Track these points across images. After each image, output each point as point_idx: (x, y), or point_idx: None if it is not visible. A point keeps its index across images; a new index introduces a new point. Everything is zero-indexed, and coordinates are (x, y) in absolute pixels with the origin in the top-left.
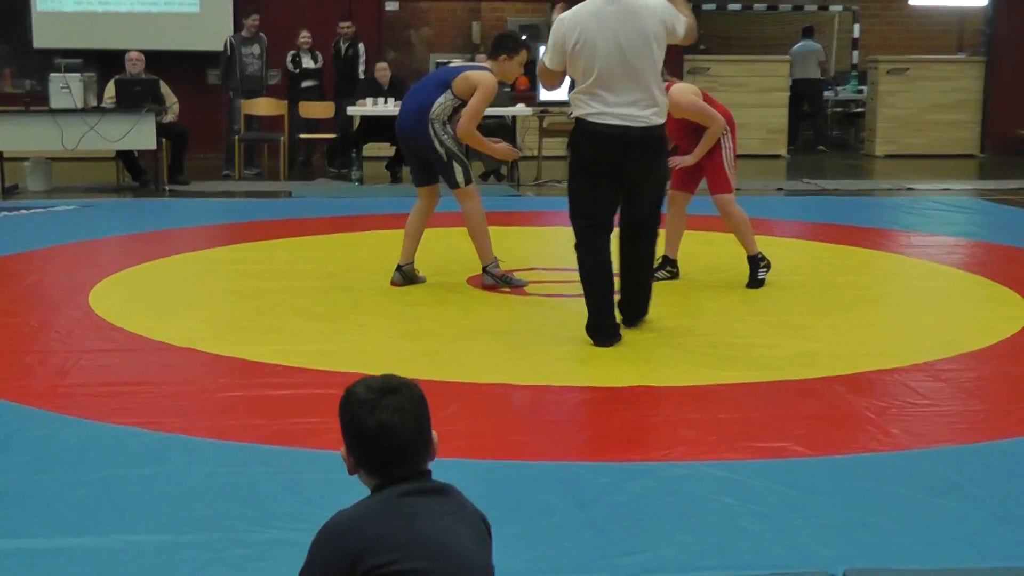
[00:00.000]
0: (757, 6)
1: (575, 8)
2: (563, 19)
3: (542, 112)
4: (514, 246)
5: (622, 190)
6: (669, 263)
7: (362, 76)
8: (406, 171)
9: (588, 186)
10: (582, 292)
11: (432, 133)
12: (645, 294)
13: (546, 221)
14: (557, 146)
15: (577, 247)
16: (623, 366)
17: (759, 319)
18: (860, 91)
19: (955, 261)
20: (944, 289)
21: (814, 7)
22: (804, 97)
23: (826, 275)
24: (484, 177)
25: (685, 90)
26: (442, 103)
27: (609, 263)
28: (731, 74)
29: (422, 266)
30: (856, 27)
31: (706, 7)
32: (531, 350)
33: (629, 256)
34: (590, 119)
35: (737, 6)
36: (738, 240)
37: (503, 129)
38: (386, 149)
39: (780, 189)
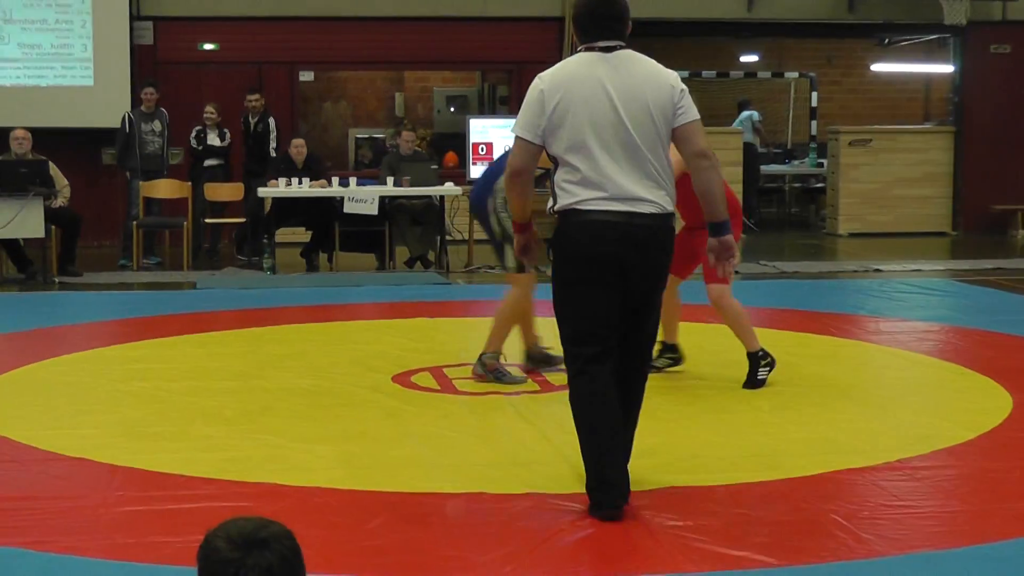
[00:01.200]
0: (706, 73)
1: (559, 64)
2: (543, 77)
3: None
4: (444, 339)
5: (627, 305)
6: (668, 349)
7: (274, 154)
8: (323, 258)
9: (585, 298)
10: (519, 391)
11: (491, 207)
12: (625, 455)
13: (479, 312)
14: None
15: (572, 379)
16: (566, 470)
17: (716, 417)
18: (820, 164)
19: (928, 348)
20: (917, 379)
21: (768, 74)
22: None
23: (788, 365)
24: (410, 263)
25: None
26: None
27: (615, 399)
28: None
29: (339, 360)
30: (814, 95)
31: None
32: (465, 454)
33: (626, 390)
34: (584, 207)
35: (684, 73)
36: (735, 335)
37: (430, 210)
38: (301, 234)
39: (736, 272)
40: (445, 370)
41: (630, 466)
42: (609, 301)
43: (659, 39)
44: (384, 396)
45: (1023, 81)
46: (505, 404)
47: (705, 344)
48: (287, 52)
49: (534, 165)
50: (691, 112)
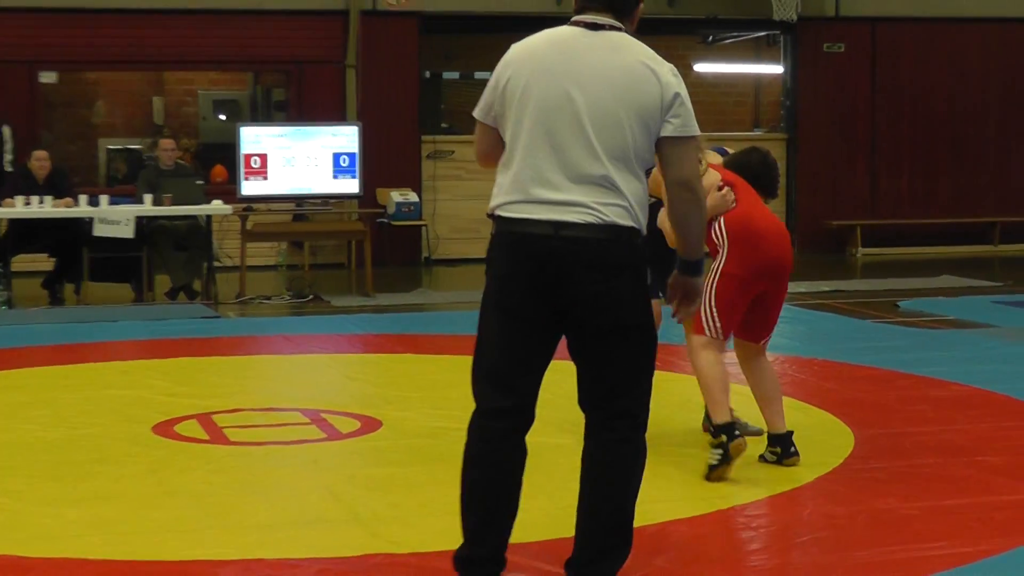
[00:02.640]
0: None
1: (535, 34)
2: (512, 47)
3: (245, 210)
4: (214, 382)
5: (575, 348)
6: (774, 440)
7: (9, 168)
8: (70, 289)
9: (498, 331)
10: (301, 439)
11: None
12: (609, 544)
13: (252, 349)
14: (263, 253)
15: (469, 429)
16: (356, 531)
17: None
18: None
19: None
20: (752, 416)
21: None
22: None
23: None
24: (172, 294)
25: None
26: None
27: (513, 470)
28: None
29: (91, 409)
30: None
31: (447, 75)
32: (239, 514)
33: (588, 467)
34: (506, 213)
35: (486, 74)
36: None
37: (195, 233)
38: (43, 262)
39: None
40: (214, 417)
41: None
42: (527, 339)
43: (461, 36)
44: (144, 449)
45: (859, 83)
46: (286, 455)
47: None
48: (25, 49)
49: (496, 150)
50: (687, 126)
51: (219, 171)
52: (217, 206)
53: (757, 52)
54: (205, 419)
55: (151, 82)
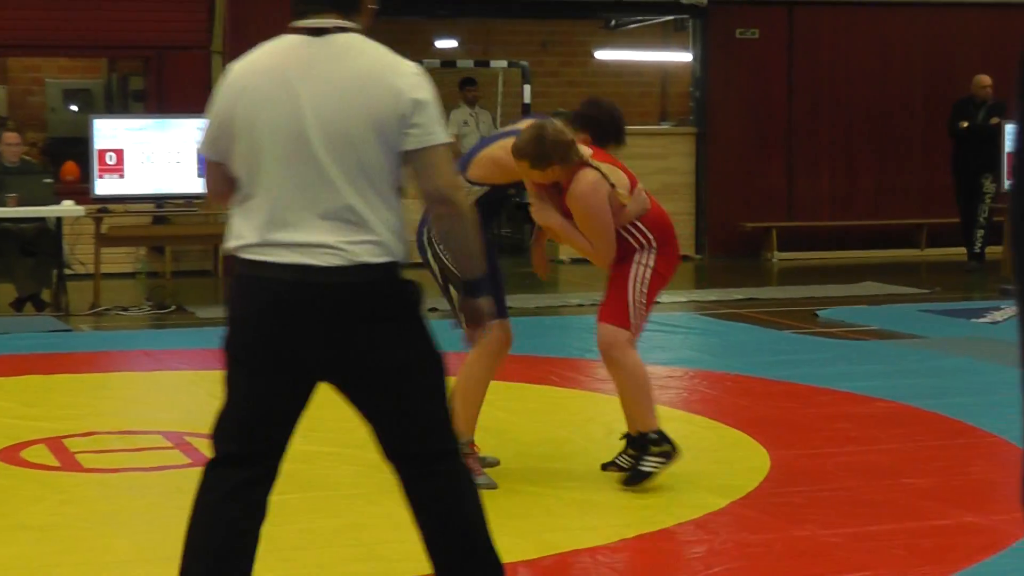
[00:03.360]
0: None
1: (252, 51)
2: (228, 68)
3: (99, 212)
4: (65, 402)
5: (353, 401)
6: (632, 442)
7: None
8: None
9: (240, 381)
10: (163, 465)
11: (425, 238)
12: None
13: (108, 366)
14: (120, 259)
15: (200, 481)
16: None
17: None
18: None
19: (670, 398)
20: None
21: (470, 63)
22: None
23: (499, 423)
24: (17, 305)
25: (597, 185)
26: None
27: (238, 530)
28: None
29: None
30: (527, 88)
31: None
32: (95, 549)
33: (429, 518)
34: (244, 254)
35: None
36: (622, 405)
37: (44, 237)
38: None
39: (434, 309)
40: (66, 441)
41: None
42: (268, 390)
43: None
44: None
45: (774, 72)
46: (147, 483)
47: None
48: None
49: (229, 188)
50: (431, 134)
51: (70, 168)
52: (68, 207)
53: (664, 38)
54: (55, 444)
55: None
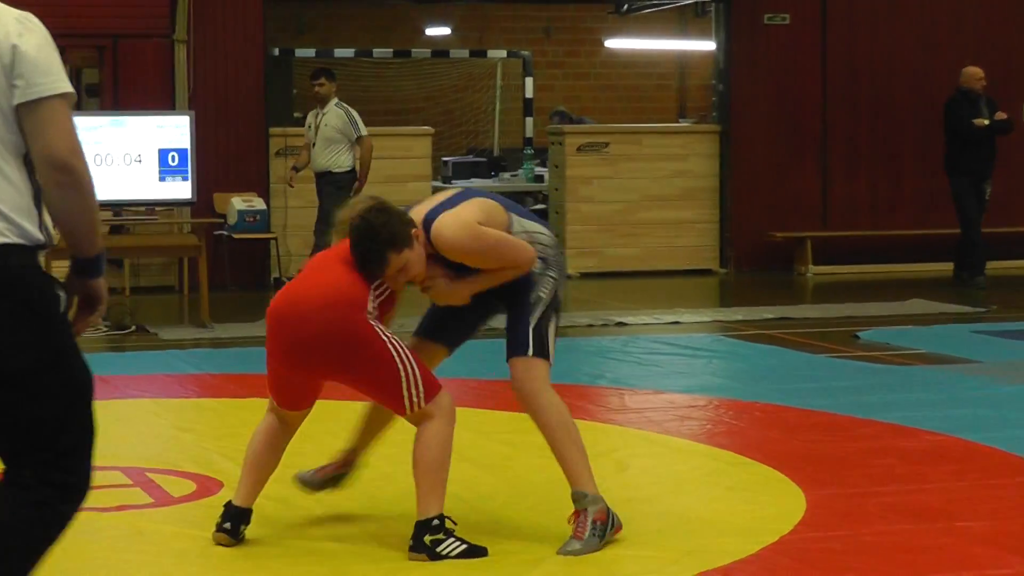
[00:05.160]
0: (379, 52)
1: None
2: None
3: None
4: None
5: None
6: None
7: None
8: None
9: None
10: (122, 505)
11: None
12: None
13: None
14: None
15: None
16: None
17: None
18: (539, 178)
19: (692, 430)
20: (677, 473)
21: (465, 52)
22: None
23: (503, 458)
24: None
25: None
26: None
27: None
28: None
29: None
30: (528, 82)
31: (300, 53)
32: None
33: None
34: None
35: (348, 52)
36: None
37: None
38: None
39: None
40: None
41: None
42: None
43: (315, 3)
44: None
45: (806, 62)
46: (104, 525)
47: None
48: None
49: None
50: (36, 84)
51: None
52: None
53: (682, 25)
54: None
55: None
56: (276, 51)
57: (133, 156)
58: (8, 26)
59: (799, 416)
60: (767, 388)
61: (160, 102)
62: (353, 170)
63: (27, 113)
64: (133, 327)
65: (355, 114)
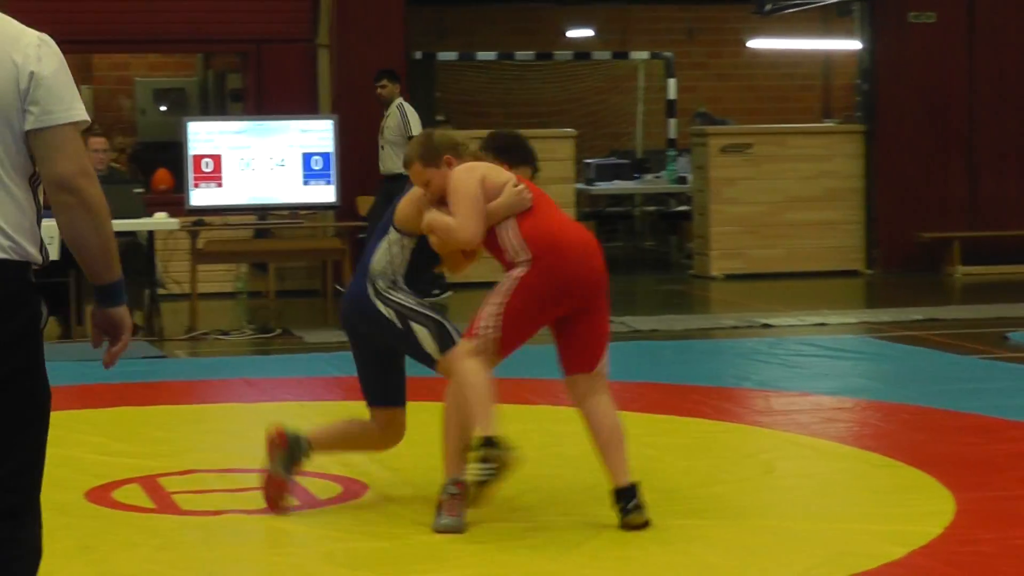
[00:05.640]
0: (521, 54)
1: None
2: None
3: (195, 225)
4: (160, 437)
5: None
6: (616, 496)
7: None
8: None
9: None
10: (259, 509)
11: (373, 295)
12: None
13: (207, 396)
14: (219, 277)
15: None
16: None
17: (545, 538)
18: (682, 180)
19: (838, 432)
20: (824, 476)
21: (607, 55)
22: None
23: (647, 461)
24: None
25: (467, 167)
26: (385, 249)
27: None
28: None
29: None
30: (671, 83)
31: (442, 56)
32: None
33: None
34: None
35: (490, 55)
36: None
37: (135, 253)
38: None
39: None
40: (161, 480)
41: None
42: None
43: (457, 7)
44: (75, 520)
45: (954, 61)
46: (249, 527)
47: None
48: None
49: None
50: (51, 112)
51: (162, 177)
52: (160, 220)
53: (826, 24)
54: (150, 483)
55: (77, 67)
56: (418, 54)
57: (277, 160)
58: (28, 50)
59: (947, 418)
60: (915, 390)
61: (303, 106)
62: None
63: (37, 138)
64: (278, 330)
65: (411, 115)
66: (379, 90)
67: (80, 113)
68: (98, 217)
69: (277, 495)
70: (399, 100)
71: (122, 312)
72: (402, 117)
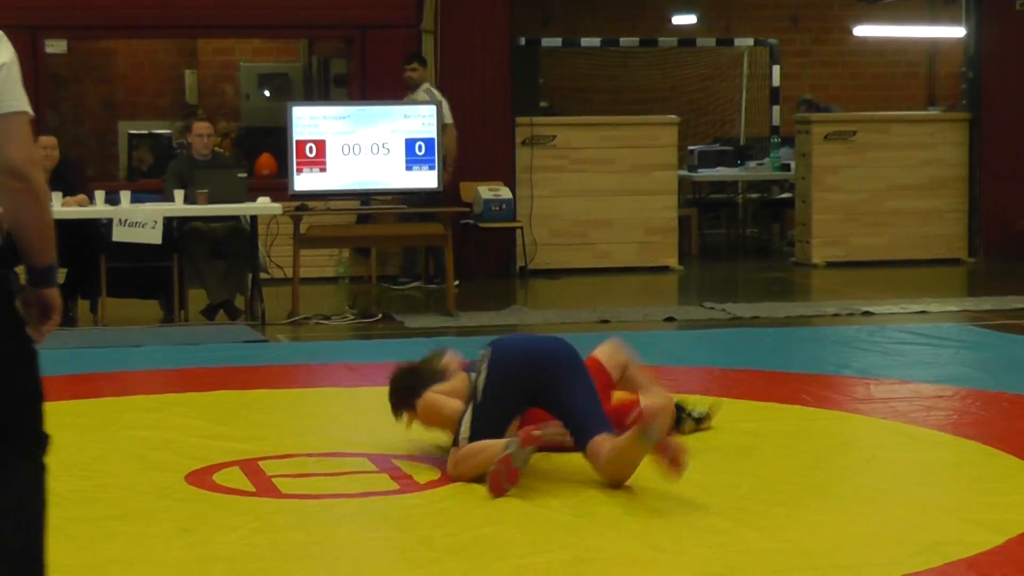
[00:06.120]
0: (626, 41)
1: None
2: None
3: (298, 210)
4: (260, 420)
5: None
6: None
7: None
8: (84, 306)
9: None
10: (368, 491)
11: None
12: None
13: (308, 380)
14: (321, 262)
15: None
16: None
17: (647, 522)
18: (785, 167)
19: (938, 420)
20: (923, 463)
21: (711, 41)
22: None
23: (745, 448)
24: (209, 313)
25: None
26: None
27: None
28: (589, 145)
29: (110, 453)
30: (775, 70)
31: (547, 43)
32: None
33: None
34: None
35: (594, 41)
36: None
37: (237, 238)
38: None
39: (671, 319)
40: (262, 464)
41: None
42: None
43: None
44: (175, 503)
45: None
46: (350, 511)
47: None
48: (28, 12)
49: None
50: (9, 100)
51: (265, 161)
52: (264, 205)
53: (932, 11)
54: (250, 466)
55: (182, 52)
56: (522, 40)
57: (380, 145)
58: None
59: None
60: (1016, 379)
61: (407, 92)
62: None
63: None
64: (380, 315)
65: (442, 100)
66: (409, 73)
67: (27, 105)
68: (42, 204)
69: (507, 482)
70: (427, 84)
71: (54, 293)
72: (435, 102)
